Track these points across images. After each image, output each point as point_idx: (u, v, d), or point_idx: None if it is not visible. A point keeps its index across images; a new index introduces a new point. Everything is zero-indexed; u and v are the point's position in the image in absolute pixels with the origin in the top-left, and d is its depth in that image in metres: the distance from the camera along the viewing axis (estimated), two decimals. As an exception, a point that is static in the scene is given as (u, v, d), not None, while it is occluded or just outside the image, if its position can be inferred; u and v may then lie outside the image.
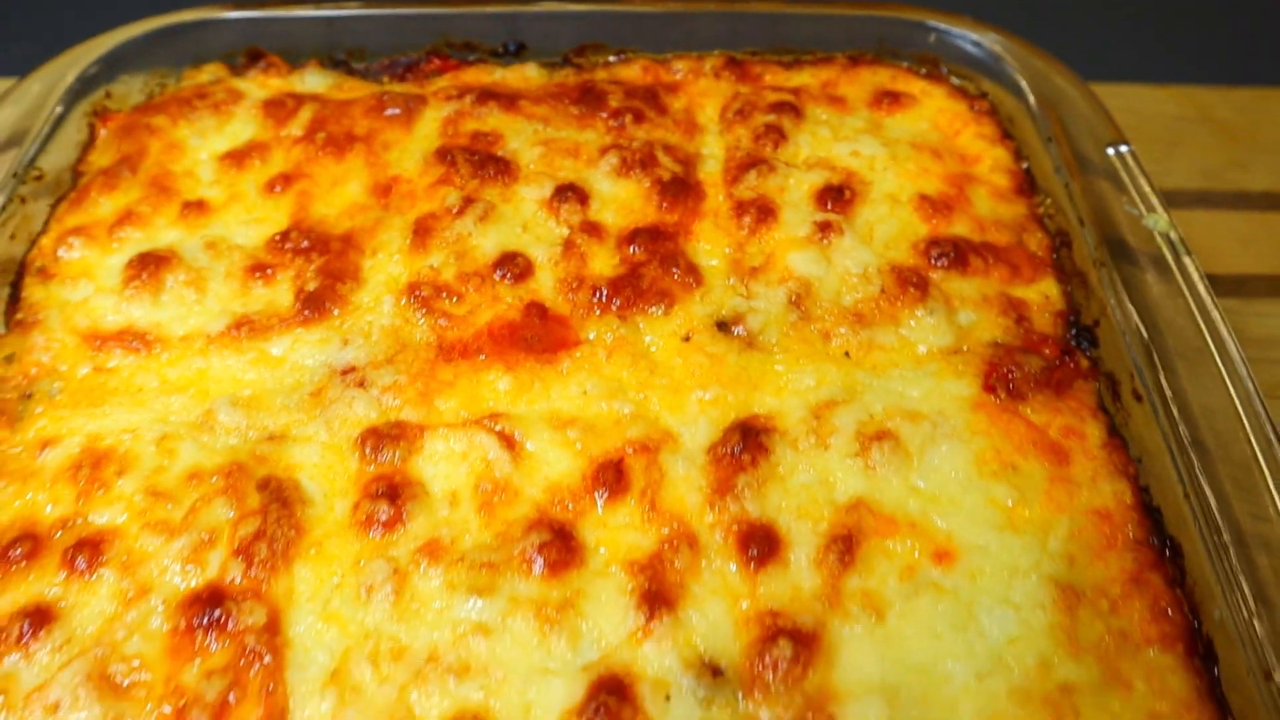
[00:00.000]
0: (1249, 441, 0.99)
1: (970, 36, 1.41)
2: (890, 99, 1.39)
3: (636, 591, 0.92)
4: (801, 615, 0.91)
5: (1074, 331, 1.14)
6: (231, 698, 0.87)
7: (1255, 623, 0.87)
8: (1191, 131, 1.73)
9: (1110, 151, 1.24)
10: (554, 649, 0.90)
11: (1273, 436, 0.99)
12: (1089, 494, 0.99)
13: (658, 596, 0.92)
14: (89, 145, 1.36)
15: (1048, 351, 1.11)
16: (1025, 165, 1.31)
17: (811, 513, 0.97)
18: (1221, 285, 1.31)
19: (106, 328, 1.15)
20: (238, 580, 0.94)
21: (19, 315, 1.19)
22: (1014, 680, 0.87)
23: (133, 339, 1.14)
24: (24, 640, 0.91)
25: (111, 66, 1.41)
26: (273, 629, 0.91)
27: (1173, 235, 1.14)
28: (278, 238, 1.21)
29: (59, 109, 1.35)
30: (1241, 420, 1.00)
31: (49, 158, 1.31)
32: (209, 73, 1.45)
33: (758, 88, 1.41)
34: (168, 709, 0.87)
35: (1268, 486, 0.96)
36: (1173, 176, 1.64)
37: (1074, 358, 1.10)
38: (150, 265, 1.18)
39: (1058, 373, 1.08)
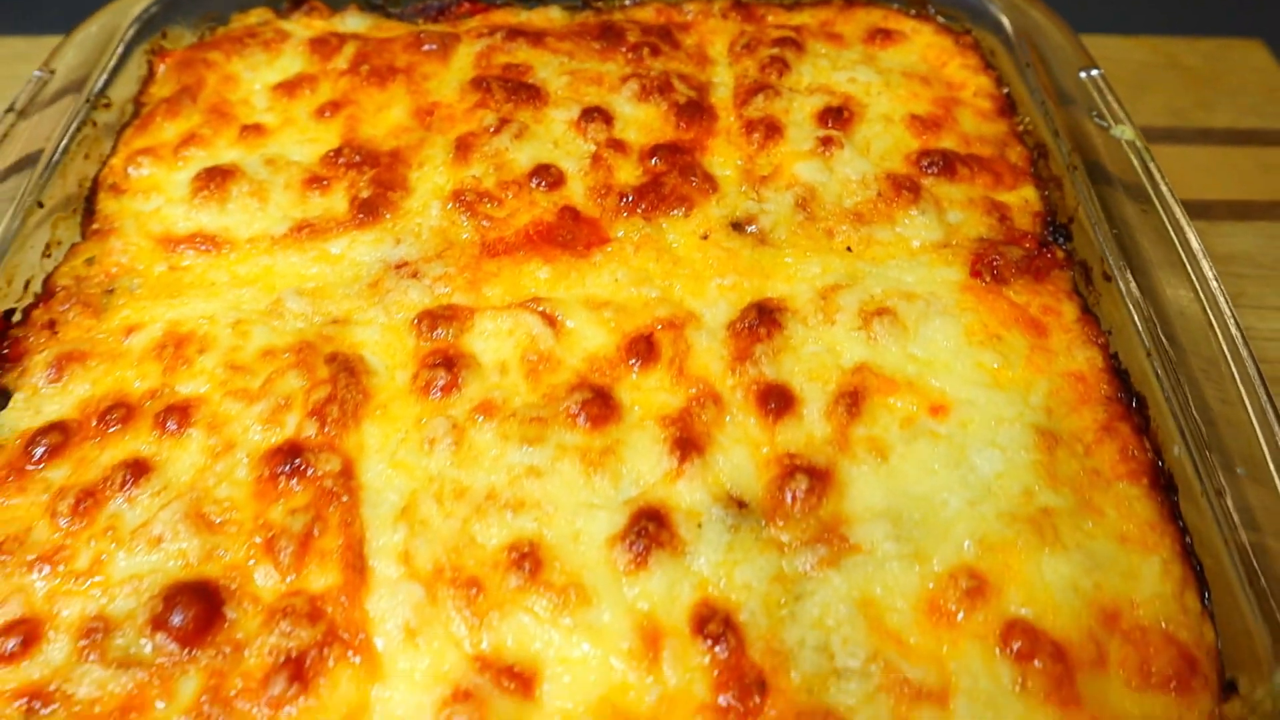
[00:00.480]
0: (1217, 339, 1.10)
1: (955, -22, 1.55)
2: (883, 35, 1.52)
3: (669, 440, 1.04)
4: (815, 457, 1.03)
5: (1051, 229, 1.27)
6: (315, 530, 0.99)
7: (1209, 453, 1.00)
8: (1160, 76, 1.87)
9: (1082, 75, 1.38)
10: (598, 487, 1.02)
11: (1237, 335, 1.10)
12: (1065, 360, 1.12)
13: (688, 443, 1.04)
14: (148, 79, 1.48)
15: (1027, 245, 1.24)
16: (1006, 90, 1.44)
17: (821, 375, 1.10)
18: (1188, 210, 1.44)
19: (178, 232, 1.27)
20: (313, 436, 1.06)
21: (95, 226, 1.30)
22: (1001, 506, 0.99)
23: (203, 241, 1.25)
24: (126, 487, 1.03)
25: (166, 10, 1.52)
26: (347, 474, 1.03)
27: (1138, 144, 1.28)
28: (331, 154, 1.33)
29: (120, 48, 1.46)
30: (1210, 321, 1.12)
31: (114, 90, 1.43)
32: (256, 16, 1.57)
33: (762, 26, 1.54)
34: (258, 540, 0.99)
35: (1233, 377, 1.08)
36: (1143, 115, 1.78)
37: (1051, 250, 1.23)
38: (217, 177, 1.29)
39: (1036, 261, 1.21)
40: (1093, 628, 0.92)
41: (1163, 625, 0.93)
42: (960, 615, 0.93)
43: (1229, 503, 0.97)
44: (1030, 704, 0.89)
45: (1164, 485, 1.03)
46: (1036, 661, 0.90)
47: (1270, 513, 0.97)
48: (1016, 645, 0.91)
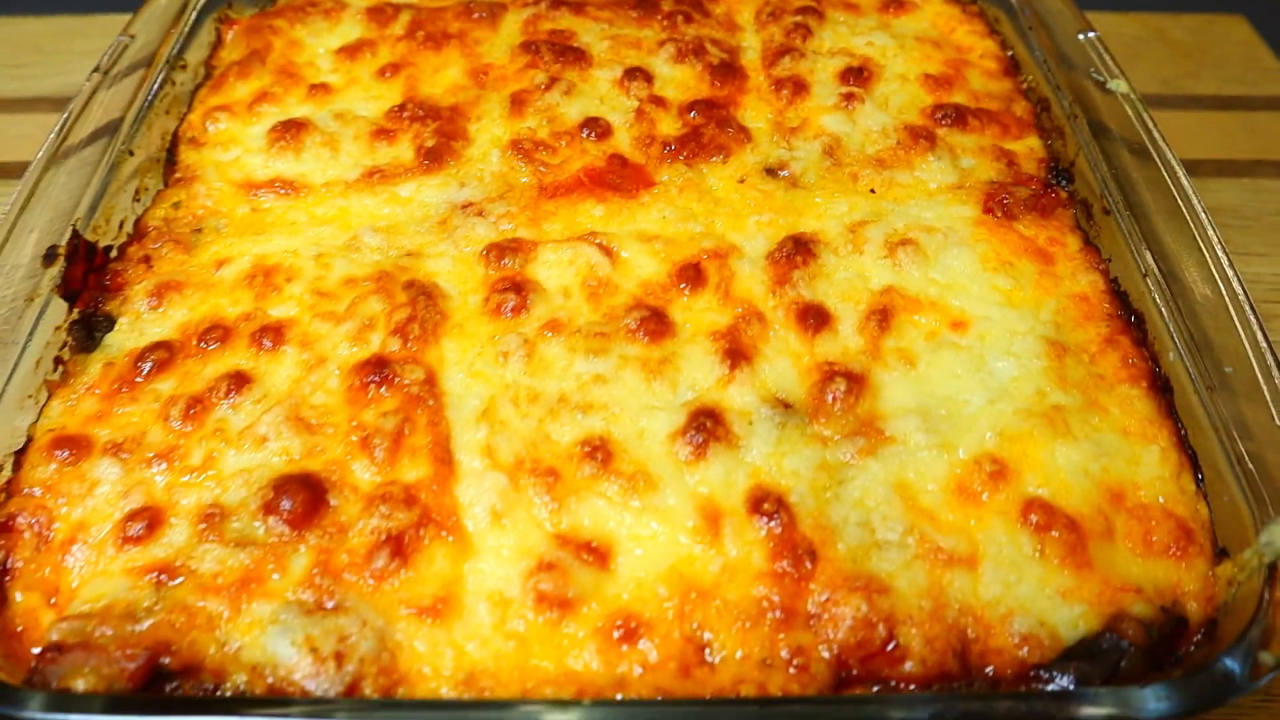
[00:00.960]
0: (1213, 283, 1.22)
1: (961, -47, 1.68)
2: (896, 4, 1.65)
3: (719, 351, 1.16)
4: (851, 364, 1.15)
5: (1054, 173, 1.40)
6: (405, 430, 1.10)
7: (1201, 355, 1.12)
8: (1149, 49, 2.00)
9: (1080, 38, 1.51)
10: (658, 392, 1.13)
11: (1232, 277, 1.21)
12: (1070, 283, 1.25)
13: (737, 353, 1.16)
14: (217, 45, 1.59)
15: (1033, 186, 1.36)
16: (1010, 53, 1.57)
17: (852, 296, 1.22)
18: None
19: (258, 179, 1.38)
20: (397, 351, 1.17)
21: (177, 175, 1.41)
22: (1018, 404, 1.11)
23: (282, 186, 1.37)
24: (230, 395, 1.13)
25: (231, -18, 1.64)
26: (431, 383, 1.14)
27: (1133, 96, 1.41)
28: (395, 109, 1.44)
29: (193, 15, 1.58)
30: (1200, 246, 1.23)
31: (188, 54, 1.54)
32: (314, -13, 1.68)
33: (784, -2, 1.67)
34: (354, 439, 1.10)
35: (1228, 311, 1.20)
36: (1134, 84, 1.91)
37: (1055, 190, 1.36)
38: (291, 129, 1.41)
39: (1042, 200, 1.33)
40: (1101, 505, 1.05)
41: (1162, 502, 1.05)
42: (985, 495, 1.05)
43: (1219, 400, 1.09)
44: (1048, 567, 1.00)
45: (1161, 387, 1.15)
46: (1053, 532, 1.02)
47: (1261, 425, 1.08)
48: (1035, 519, 1.03)
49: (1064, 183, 1.38)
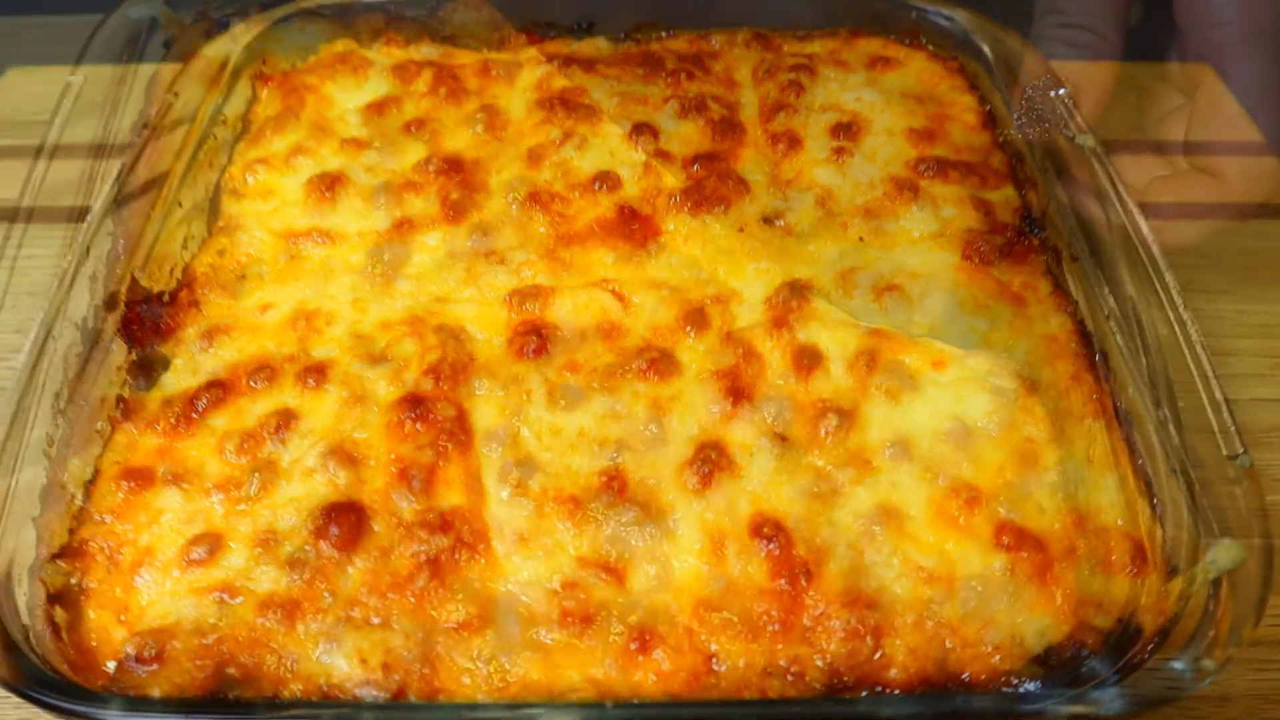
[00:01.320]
0: (1169, 325, 1.34)
1: (943, 13, 1.80)
2: (882, 62, 1.78)
3: (722, 389, 1.28)
4: (842, 401, 1.27)
5: (1027, 221, 1.52)
6: (440, 463, 1.21)
7: (1157, 391, 1.24)
8: (1119, 95, 2.13)
9: (1051, 94, 1.64)
10: (667, 426, 1.25)
11: (1187, 319, 1.34)
12: (1041, 325, 1.37)
13: (738, 392, 1.28)
14: (254, 100, 1.71)
15: (1009, 234, 1.49)
16: (988, 108, 1.70)
17: (843, 339, 1.34)
18: (1144, 209, 1.69)
19: (297, 229, 1.50)
20: (430, 390, 1.28)
21: (220, 223, 1.53)
22: (992, 435, 1.24)
23: (319, 235, 1.48)
24: (279, 431, 1.25)
25: (266, 41, 1.76)
26: (462, 419, 1.26)
27: (1099, 150, 1.53)
28: (421, 163, 1.56)
29: (232, 73, 1.70)
30: (1164, 306, 1.35)
31: (227, 108, 1.66)
32: (342, 45, 1.80)
33: (779, 55, 1.80)
34: (394, 470, 1.21)
35: (1182, 350, 1.32)
36: (1105, 130, 2.03)
37: (1028, 238, 1.48)
38: (327, 182, 1.53)
39: (1016, 247, 1.46)
40: (1066, 527, 1.17)
41: (1120, 525, 1.17)
42: (961, 519, 1.17)
43: (1173, 433, 1.21)
44: (1018, 584, 1.12)
45: (1121, 420, 1.27)
46: (1023, 553, 1.14)
47: (1209, 455, 1.20)
48: (1006, 541, 1.14)
49: (1036, 231, 1.51)
